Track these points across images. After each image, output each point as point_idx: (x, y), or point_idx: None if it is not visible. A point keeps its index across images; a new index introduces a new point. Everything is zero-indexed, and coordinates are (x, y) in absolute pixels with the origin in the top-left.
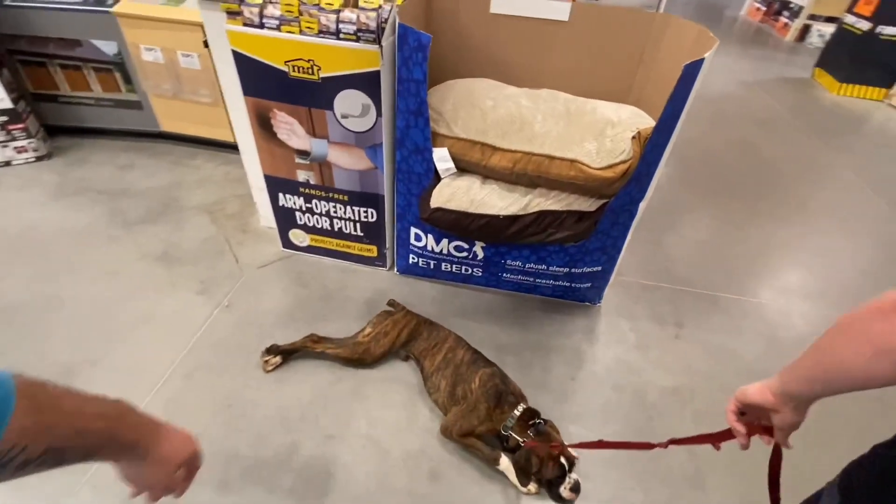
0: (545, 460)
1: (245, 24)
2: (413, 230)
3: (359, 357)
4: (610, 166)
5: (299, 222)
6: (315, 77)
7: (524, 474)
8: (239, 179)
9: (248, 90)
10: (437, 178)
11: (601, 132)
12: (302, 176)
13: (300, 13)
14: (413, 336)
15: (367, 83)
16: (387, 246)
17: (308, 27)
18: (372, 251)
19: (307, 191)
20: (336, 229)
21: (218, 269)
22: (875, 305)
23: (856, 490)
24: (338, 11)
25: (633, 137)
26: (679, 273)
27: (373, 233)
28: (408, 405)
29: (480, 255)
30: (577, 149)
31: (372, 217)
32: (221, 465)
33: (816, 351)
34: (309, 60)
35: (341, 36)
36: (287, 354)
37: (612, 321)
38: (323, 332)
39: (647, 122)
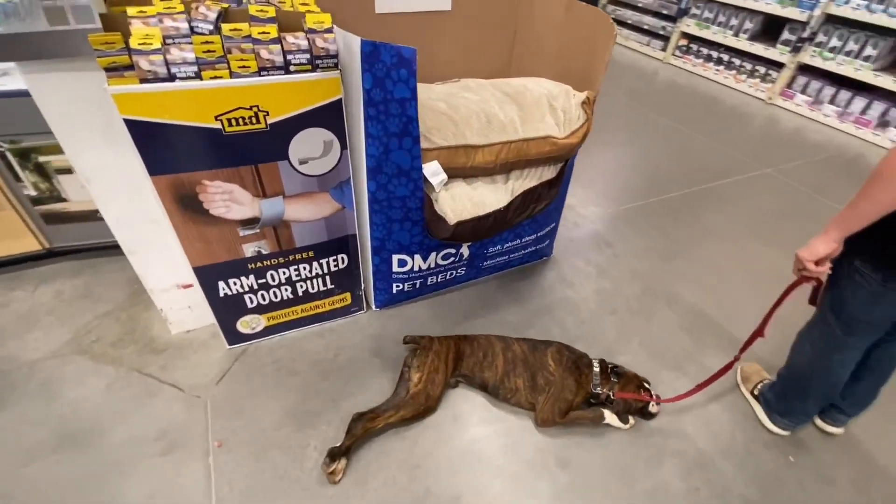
0: (633, 400)
1: (144, 81)
2: (396, 257)
3: (424, 408)
4: (573, 133)
5: (250, 306)
6: (262, 125)
7: (626, 415)
8: (85, 294)
9: (157, 167)
10: (427, 195)
11: (549, 106)
12: (250, 250)
13: (227, 51)
14: (459, 358)
15: (328, 116)
16: (362, 287)
17: (242, 66)
18: (345, 300)
19: (259, 265)
20: (301, 293)
21: (165, 412)
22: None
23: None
24: (278, 40)
25: (584, 103)
26: (579, 207)
27: (345, 279)
28: (493, 422)
29: (466, 254)
30: (541, 126)
31: (343, 263)
32: None
33: (866, 199)
34: (251, 107)
35: (292, 68)
36: (349, 451)
37: (570, 264)
38: (359, 407)
39: (568, 88)
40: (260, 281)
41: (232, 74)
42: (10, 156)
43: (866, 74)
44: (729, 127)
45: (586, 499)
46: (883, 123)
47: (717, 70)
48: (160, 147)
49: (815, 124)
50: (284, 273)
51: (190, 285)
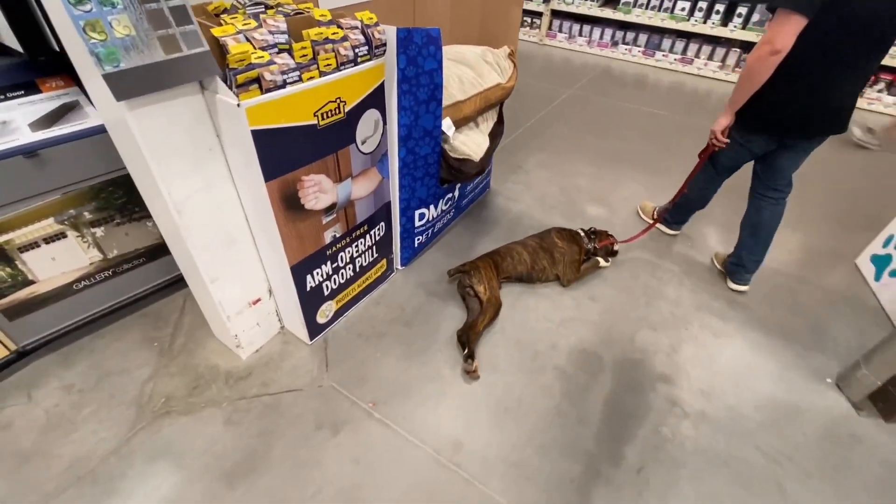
0: (608, 246)
1: (266, 91)
2: (417, 212)
3: (497, 307)
4: (509, 78)
5: (326, 293)
6: (341, 115)
7: (606, 257)
8: (104, 374)
9: (271, 173)
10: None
11: (485, 62)
12: (329, 236)
13: (316, 53)
14: (497, 266)
15: (377, 97)
16: (393, 251)
17: (327, 65)
18: (383, 266)
19: (334, 249)
20: (357, 269)
21: (303, 410)
22: (764, 51)
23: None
24: (346, 38)
25: (510, 55)
26: None
27: (383, 247)
28: (537, 298)
29: (457, 195)
30: (490, 77)
31: (382, 231)
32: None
33: (745, 86)
34: (336, 100)
35: (359, 60)
36: (474, 354)
37: (505, 188)
38: (451, 331)
39: (486, 47)
40: (333, 265)
41: (321, 74)
42: None
43: (594, 10)
44: (527, 68)
45: (617, 310)
46: (614, 43)
47: None
48: (275, 152)
49: (576, 53)
50: (349, 252)
51: (258, 300)
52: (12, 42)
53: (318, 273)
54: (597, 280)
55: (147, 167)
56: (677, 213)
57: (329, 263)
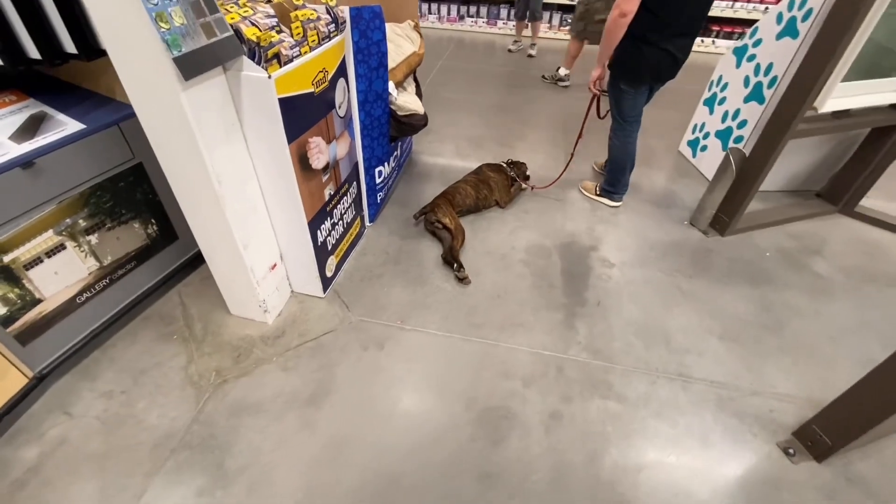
0: (524, 171)
1: (283, 65)
2: (377, 169)
3: (463, 232)
4: (420, 46)
5: (329, 248)
6: (327, 83)
7: (524, 180)
8: (139, 373)
9: (291, 136)
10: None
11: (398, 36)
12: (327, 193)
13: (305, 31)
14: (452, 202)
15: (343, 68)
16: (363, 209)
17: (313, 40)
18: (358, 224)
19: (331, 205)
20: (345, 225)
21: (347, 343)
22: (615, 14)
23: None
24: (318, 18)
25: (414, 27)
26: None
27: (357, 205)
28: (488, 220)
29: (398, 152)
30: (407, 48)
31: (355, 190)
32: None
33: (606, 43)
34: (322, 70)
35: (332, 35)
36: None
37: (427, 146)
38: (434, 256)
39: (392, 24)
40: (332, 221)
41: (310, 49)
42: None
43: None
44: None
45: (545, 215)
46: (461, 17)
47: None
48: (292, 117)
49: (430, 30)
50: (339, 209)
51: (275, 265)
52: None
53: (323, 228)
54: (524, 199)
55: (194, 142)
56: (613, 179)
57: (329, 220)
